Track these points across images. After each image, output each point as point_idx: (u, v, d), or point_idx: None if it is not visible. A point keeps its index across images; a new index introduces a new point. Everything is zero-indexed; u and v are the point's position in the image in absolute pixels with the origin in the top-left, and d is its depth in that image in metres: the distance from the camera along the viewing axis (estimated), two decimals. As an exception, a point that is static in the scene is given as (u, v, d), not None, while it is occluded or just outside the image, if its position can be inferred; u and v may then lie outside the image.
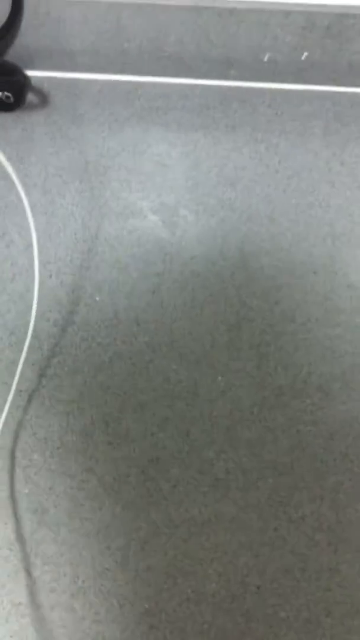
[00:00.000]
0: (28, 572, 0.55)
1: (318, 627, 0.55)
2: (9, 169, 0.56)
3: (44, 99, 0.77)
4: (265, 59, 0.74)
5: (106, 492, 0.59)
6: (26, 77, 0.78)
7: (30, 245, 0.69)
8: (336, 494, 0.59)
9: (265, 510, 0.58)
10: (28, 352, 0.63)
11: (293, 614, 0.55)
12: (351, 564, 0.57)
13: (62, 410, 0.61)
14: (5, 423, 0.57)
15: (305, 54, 0.73)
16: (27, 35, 0.73)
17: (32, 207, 0.71)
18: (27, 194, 0.71)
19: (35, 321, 0.65)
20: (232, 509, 0.58)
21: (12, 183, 0.71)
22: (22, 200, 0.63)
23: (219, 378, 0.63)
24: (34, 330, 0.64)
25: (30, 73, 0.79)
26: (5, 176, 0.72)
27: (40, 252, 0.68)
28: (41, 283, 0.66)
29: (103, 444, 0.60)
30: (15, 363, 0.63)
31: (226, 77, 0.78)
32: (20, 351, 0.64)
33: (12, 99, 0.74)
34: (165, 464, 0.60)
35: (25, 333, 0.65)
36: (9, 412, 0.59)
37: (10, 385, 0.62)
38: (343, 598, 0.56)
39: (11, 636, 0.54)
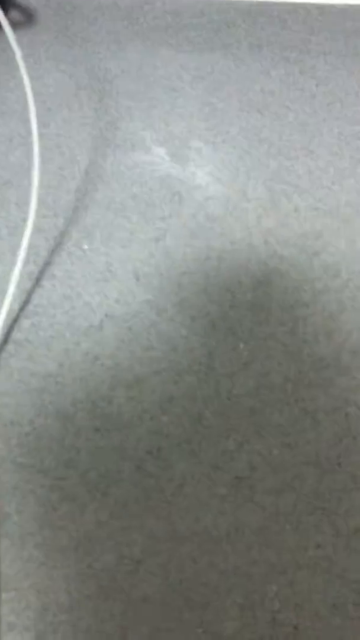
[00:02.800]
0: (-22, 601, 0.41)
1: None
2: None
3: (29, 17, 0.65)
4: None
5: (89, 492, 0.46)
6: (7, -9, 0.65)
7: (3, 184, 0.56)
8: None
9: (303, 521, 0.45)
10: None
11: (344, 667, 0.40)
12: None
13: (36, 387, 0.49)
14: None
15: None
16: None
17: (9, 139, 0.58)
18: (3, 123, 0.59)
19: (6, 274, 0.51)
20: (258, 518, 0.45)
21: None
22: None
23: (241, 346, 0.51)
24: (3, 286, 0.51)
25: (13, -12, 0.66)
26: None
27: (15, 191, 0.55)
28: (13, 228, 0.53)
29: (87, 430, 0.48)
30: (-23, 325, 0.50)
31: (249, -11, 0.65)
32: (-14, 311, 0.50)
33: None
34: (168, 456, 0.47)
35: (-6, 289, 0.51)
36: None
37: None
38: None
39: None
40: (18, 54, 0.47)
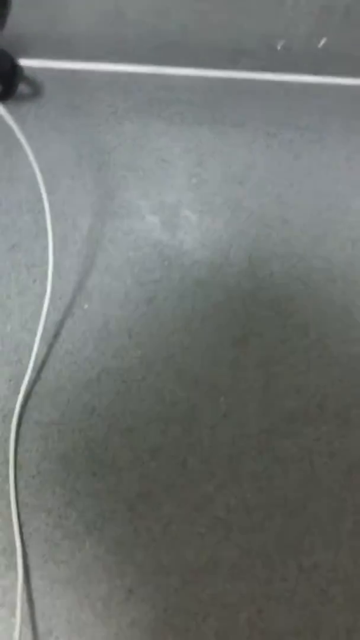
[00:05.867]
0: (-9, 625, 0.48)
1: None
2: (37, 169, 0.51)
3: (36, 90, 0.71)
4: (278, 47, 0.68)
5: (87, 530, 0.52)
6: (17, 67, 0.72)
7: (11, 247, 0.62)
8: (356, 539, 0.51)
9: (271, 557, 0.51)
10: (4, 366, 0.56)
11: None
12: (373, 623, 0.48)
13: (40, 434, 0.55)
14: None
15: (323, 40, 0.67)
16: (20, 20, 0.67)
17: (18, 205, 0.64)
18: (14, 189, 0.65)
19: (15, 332, 0.58)
20: (233, 554, 0.51)
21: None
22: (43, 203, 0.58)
23: (221, 399, 0.57)
24: (14, 343, 0.57)
25: (23, 62, 0.73)
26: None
27: (24, 254, 0.62)
28: (23, 288, 0.60)
29: (86, 474, 0.54)
30: (-11, 379, 0.56)
31: (235, 68, 0.71)
32: (-3, 365, 0.57)
33: (1, 90, 0.69)
34: (156, 498, 0.53)
35: (4, 346, 0.58)
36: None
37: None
38: (363, 666, 0.47)
39: None
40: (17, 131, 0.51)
